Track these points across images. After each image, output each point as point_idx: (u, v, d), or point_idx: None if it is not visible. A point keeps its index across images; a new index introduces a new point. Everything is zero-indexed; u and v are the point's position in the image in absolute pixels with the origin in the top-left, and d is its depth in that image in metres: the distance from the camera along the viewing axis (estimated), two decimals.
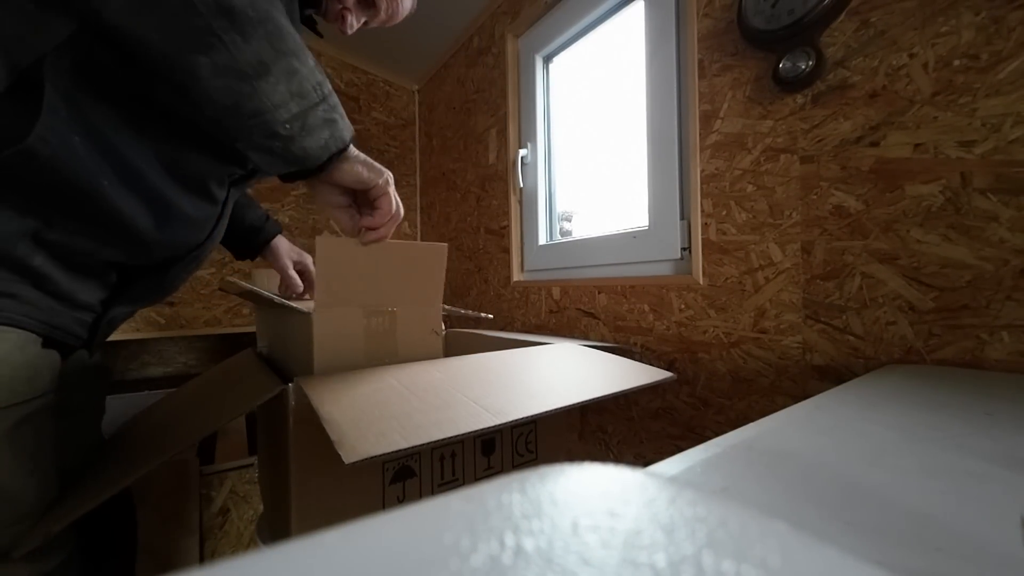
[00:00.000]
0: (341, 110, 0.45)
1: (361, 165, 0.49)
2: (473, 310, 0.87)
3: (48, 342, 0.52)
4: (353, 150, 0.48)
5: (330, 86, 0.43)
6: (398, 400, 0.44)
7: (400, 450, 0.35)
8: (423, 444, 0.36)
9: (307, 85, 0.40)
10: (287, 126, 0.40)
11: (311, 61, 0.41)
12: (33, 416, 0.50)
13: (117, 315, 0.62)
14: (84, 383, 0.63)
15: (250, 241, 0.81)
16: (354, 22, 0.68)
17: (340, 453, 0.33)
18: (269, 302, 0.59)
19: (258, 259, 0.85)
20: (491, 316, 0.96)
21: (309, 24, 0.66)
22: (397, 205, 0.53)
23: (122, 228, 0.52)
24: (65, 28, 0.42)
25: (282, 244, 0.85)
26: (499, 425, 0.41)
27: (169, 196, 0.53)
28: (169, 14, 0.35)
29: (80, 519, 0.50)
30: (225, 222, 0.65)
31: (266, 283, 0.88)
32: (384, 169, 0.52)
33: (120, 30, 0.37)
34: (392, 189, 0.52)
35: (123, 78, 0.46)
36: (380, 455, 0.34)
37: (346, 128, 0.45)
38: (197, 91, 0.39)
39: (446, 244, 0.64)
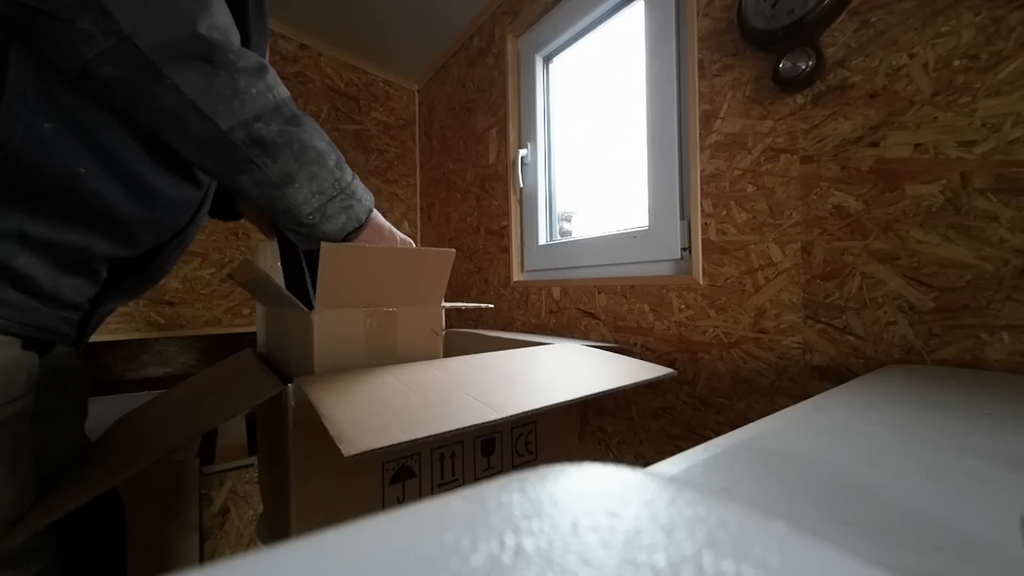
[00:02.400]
0: (360, 193, 0.55)
1: (377, 235, 0.58)
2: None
3: (28, 343, 0.51)
4: (374, 218, 0.57)
5: (349, 177, 0.53)
6: (398, 397, 0.44)
7: (400, 444, 0.35)
8: (423, 438, 0.36)
9: (326, 184, 0.51)
10: (310, 217, 0.51)
11: (331, 162, 0.51)
12: (13, 419, 0.48)
13: (105, 311, 0.61)
14: (62, 387, 0.60)
15: (227, 199, 0.75)
16: None
17: (340, 447, 0.33)
18: (273, 299, 0.58)
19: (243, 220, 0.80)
20: (491, 305, 0.96)
21: None
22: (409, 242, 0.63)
23: (105, 216, 0.51)
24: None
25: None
26: (499, 420, 0.41)
27: (150, 179, 0.52)
28: (220, 153, 0.46)
29: (66, 521, 0.49)
30: (209, 203, 0.64)
31: (271, 261, 0.87)
32: (397, 239, 0.60)
33: (189, 160, 0.48)
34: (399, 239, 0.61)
35: None
36: (380, 448, 0.34)
37: (363, 209, 0.55)
38: (241, 194, 0.50)
39: (453, 251, 0.64)
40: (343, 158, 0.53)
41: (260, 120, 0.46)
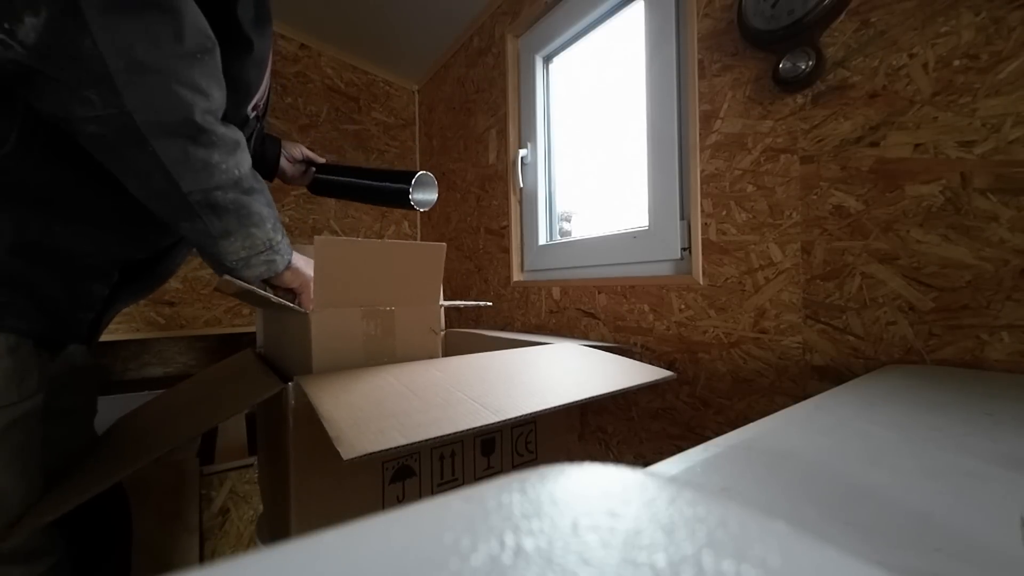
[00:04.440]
0: (283, 249, 0.58)
1: (291, 275, 0.61)
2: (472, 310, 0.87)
3: (41, 343, 0.52)
4: (292, 265, 0.60)
5: (279, 237, 0.57)
6: (397, 398, 0.44)
7: (399, 447, 0.35)
8: (422, 441, 0.36)
9: (258, 242, 0.55)
10: (233, 263, 0.54)
11: (268, 224, 0.55)
12: (23, 418, 0.50)
13: (115, 311, 0.63)
14: (74, 384, 0.63)
15: (258, 169, 0.84)
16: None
17: (339, 450, 0.33)
18: (265, 301, 0.59)
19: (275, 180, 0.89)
20: (490, 303, 0.96)
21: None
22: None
23: (119, 220, 0.52)
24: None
25: (285, 164, 0.87)
26: (498, 423, 0.41)
27: None
28: (171, 206, 0.49)
29: (74, 519, 0.50)
30: None
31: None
32: (309, 276, 0.61)
33: (135, 194, 0.49)
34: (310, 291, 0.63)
35: None
36: (379, 452, 0.34)
37: (283, 262, 0.58)
38: (173, 228, 0.52)
39: (444, 244, 0.64)
40: (278, 218, 0.58)
41: (220, 189, 0.49)
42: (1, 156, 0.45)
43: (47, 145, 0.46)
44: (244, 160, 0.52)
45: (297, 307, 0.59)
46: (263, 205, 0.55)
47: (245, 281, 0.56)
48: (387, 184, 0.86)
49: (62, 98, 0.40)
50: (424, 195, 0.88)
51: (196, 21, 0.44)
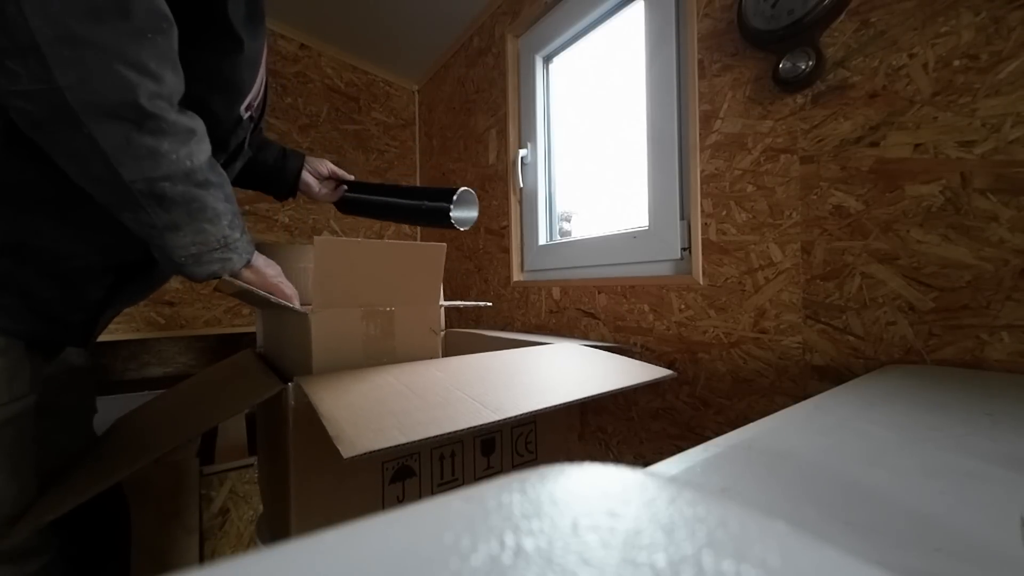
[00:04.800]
0: (242, 248, 0.55)
1: (252, 274, 0.58)
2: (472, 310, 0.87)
3: (34, 345, 0.52)
4: (253, 265, 0.57)
5: (237, 234, 0.54)
6: (397, 398, 0.44)
7: (399, 445, 0.35)
8: (422, 440, 0.36)
9: (211, 239, 0.51)
10: (182, 259, 0.51)
11: (224, 221, 0.52)
12: (14, 419, 0.50)
13: (113, 313, 0.62)
14: (72, 385, 0.63)
15: (280, 182, 0.83)
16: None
17: (339, 448, 0.33)
18: (265, 302, 0.59)
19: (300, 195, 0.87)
20: (489, 303, 0.96)
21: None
22: (291, 292, 0.61)
23: (111, 221, 0.52)
24: None
25: (310, 179, 0.85)
26: (498, 422, 0.41)
27: None
28: (111, 192, 0.45)
29: (73, 519, 0.50)
30: None
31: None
32: (271, 275, 0.59)
33: (71, 175, 0.46)
34: (279, 282, 0.60)
35: None
36: (379, 450, 0.34)
37: (240, 261, 0.55)
38: (117, 217, 0.49)
39: (444, 244, 0.64)
40: (239, 214, 0.55)
41: (168, 180, 0.46)
42: None
43: (35, 145, 0.45)
44: (200, 151, 0.49)
45: (295, 307, 0.59)
46: (219, 200, 0.51)
47: (196, 279, 0.54)
48: (423, 202, 0.81)
49: None
50: (466, 212, 0.82)
51: None
